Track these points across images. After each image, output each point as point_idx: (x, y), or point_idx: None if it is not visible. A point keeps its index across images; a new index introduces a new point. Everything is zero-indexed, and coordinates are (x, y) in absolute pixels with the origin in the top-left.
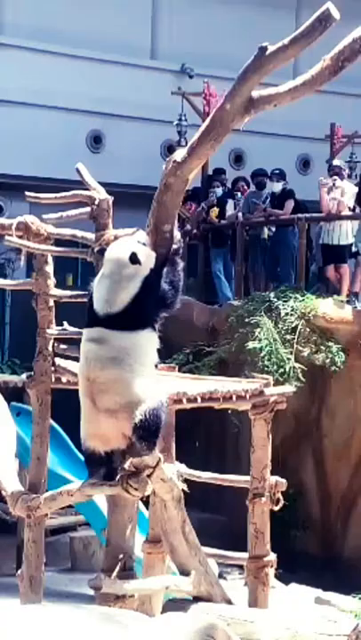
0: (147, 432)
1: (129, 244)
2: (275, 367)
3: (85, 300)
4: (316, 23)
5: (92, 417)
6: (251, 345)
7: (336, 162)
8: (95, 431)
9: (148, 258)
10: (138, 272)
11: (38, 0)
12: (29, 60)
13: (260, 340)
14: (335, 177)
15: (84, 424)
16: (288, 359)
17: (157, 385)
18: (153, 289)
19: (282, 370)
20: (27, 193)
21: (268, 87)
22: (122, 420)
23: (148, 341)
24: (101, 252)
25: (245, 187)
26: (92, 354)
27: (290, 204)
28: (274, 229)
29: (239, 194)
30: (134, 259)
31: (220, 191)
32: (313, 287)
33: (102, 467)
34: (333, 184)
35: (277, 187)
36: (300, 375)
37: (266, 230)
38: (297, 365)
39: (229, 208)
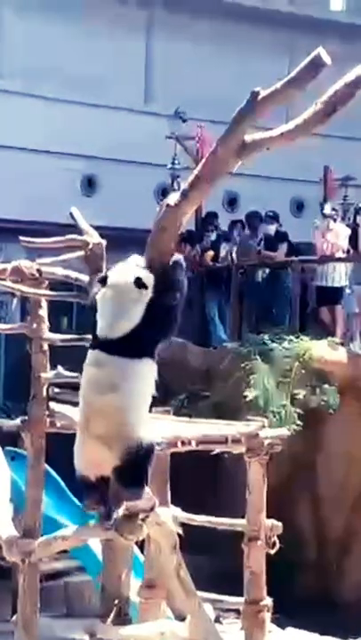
0: (129, 472)
1: (132, 269)
2: (270, 410)
3: (82, 342)
4: (307, 69)
5: (83, 441)
6: (248, 394)
7: (327, 208)
8: (84, 456)
9: (150, 282)
10: (142, 297)
11: (33, 45)
12: (24, 104)
13: (254, 385)
14: (329, 219)
15: (76, 448)
16: (283, 405)
17: (153, 423)
18: (156, 315)
19: (277, 413)
20: (21, 237)
21: (261, 130)
22: (110, 450)
23: (148, 370)
24: (103, 280)
25: (242, 230)
26: (92, 377)
27: (283, 247)
28: (268, 271)
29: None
30: (140, 283)
31: (214, 235)
32: (308, 329)
33: (96, 493)
34: (328, 226)
35: (271, 229)
36: (295, 418)
37: (260, 273)
38: (292, 408)
39: (224, 251)
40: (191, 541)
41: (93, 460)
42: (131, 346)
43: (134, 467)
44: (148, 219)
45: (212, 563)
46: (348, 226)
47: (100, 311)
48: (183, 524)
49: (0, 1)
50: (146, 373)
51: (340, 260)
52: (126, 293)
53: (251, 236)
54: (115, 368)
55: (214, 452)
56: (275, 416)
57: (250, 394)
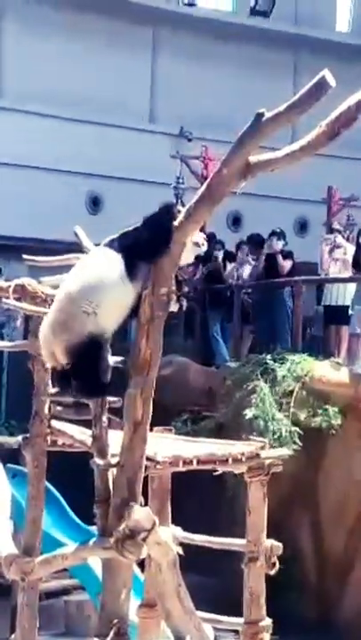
0: (75, 366)
1: None
2: (271, 430)
3: None
4: (312, 90)
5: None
6: (247, 413)
7: (335, 224)
8: (41, 343)
9: None
10: None
11: (38, 64)
12: (28, 123)
13: (256, 405)
14: (336, 234)
15: None
16: (285, 425)
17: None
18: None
19: (278, 433)
20: (24, 256)
21: (266, 151)
22: (54, 337)
23: (121, 280)
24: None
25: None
26: (79, 262)
27: (288, 264)
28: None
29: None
30: None
31: (220, 254)
32: (310, 349)
33: (64, 381)
34: (335, 241)
35: (278, 245)
36: (296, 439)
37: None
38: (293, 429)
39: (228, 270)
40: (191, 561)
41: (44, 345)
42: (122, 243)
43: (79, 361)
44: None
45: (212, 583)
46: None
47: None
48: (183, 544)
49: (5, 21)
50: (117, 280)
51: (342, 280)
52: None
53: (256, 264)
54: (97, 258)
55: (216, 472)
56: (276, 436)
57: (250, 413)
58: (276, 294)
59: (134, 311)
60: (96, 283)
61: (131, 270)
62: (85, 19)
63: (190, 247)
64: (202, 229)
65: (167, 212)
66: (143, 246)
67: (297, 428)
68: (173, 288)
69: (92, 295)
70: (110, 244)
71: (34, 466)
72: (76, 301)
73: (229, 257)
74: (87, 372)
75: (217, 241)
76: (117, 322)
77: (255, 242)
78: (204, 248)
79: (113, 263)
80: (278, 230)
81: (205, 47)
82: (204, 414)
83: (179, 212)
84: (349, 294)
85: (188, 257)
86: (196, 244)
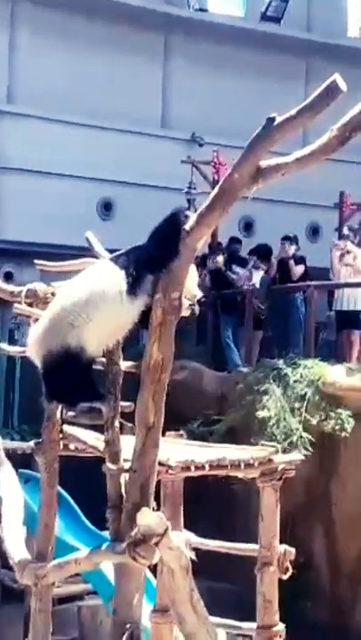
0: (50, 376)
1: None
2: (283, 435)
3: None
4: (323, 95)
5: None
6: (260, 414)
7: (345, 229)
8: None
9: None
10: None
11: (50, 70)
12: (41, 129)
13: (268, 408)
14: (346, 240)
15: None
16: (297, 428)
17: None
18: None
19: (290, 438)
20: (35, 261)
21: (277, 155)
22: (37, 342)
23: (119, 293)
24: None
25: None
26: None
27: (300, 269)
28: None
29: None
30: None
31: (221, 259)
32: (322, 354)
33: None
34: (345, 246)
35: (290, 250)
36: (307, 444)
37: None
38: (305, 434)
39: (237, 274)
40: (204, 566)
41: (29, 347)
42: (128, 258)
43: (48, 370)
44: None
45: (225, 588)
46: None
47: None
48: (196, 549)
49: (18, 28)
50: (115, 293)
51: (355, 285)
52: None
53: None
54: (100, 273)
55: (226, 475)
56: (288, 441)
57: (260, 414)
58: (288, 300)
59: (145, 320)
60: (92, 298)
61: (134, 286)
62: (97, 25)
63: (186, 303)
64: (213, 234)
65: (173, 219)
66: (151, 257)
67: (310, 433)
68: (195, 293)
69: (84, 309)
70: (116, 260)
71: (46, 471)
72: (66, 311)
73: (233, 260)
74: (55, 381)
75: (218, 243)
76: (107, 341)
77: (263, 253)
78: (196, 309)
79: (114, 280)
80: (291, 235)
81: (217, 53)
82: (216, 419)
83: (187, 217)
84: (356, 299)
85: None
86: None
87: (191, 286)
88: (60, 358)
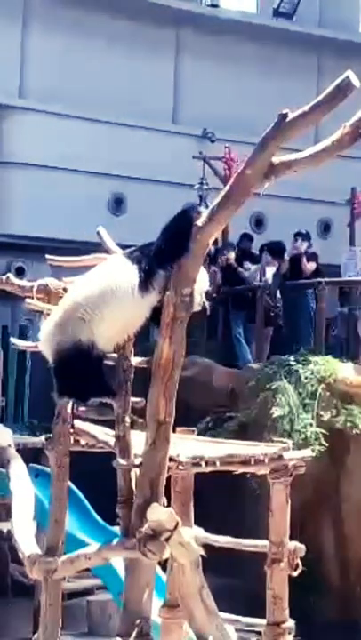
0: (60, 370)
1: None
2: (295, 432)
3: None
4: (335, 91)
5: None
6: (274, 412)
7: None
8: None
9: None
10: None
11: (60, 65)
12: (52, 124)
13: (281, 405)
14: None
15: None
16: (310, 424)
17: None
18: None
19: (302, 434)
20: (47, 256)
21: (290, 152)
22: (49, 336)
23: (132, 289)
24: None
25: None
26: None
27: (311, 266)
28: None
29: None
30: None
31: (232, 255)
32: (333, 351)
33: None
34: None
35: (303, 246)
36: (320, 439)
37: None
38: (317, 430)
39: (249, 271)
40: (214, 562)
41: (42, 341)
42: (141, 254)
43: (60, 364)
44: None
45: (234, 584)
46: None
47: None
48: (206, 545)
49: (28, 22)
50: (127, 289)
51: None
52: None
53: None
54: (113, 268)
55: (238, 473)
56: (299, 437)
57: (275, 413)
58: (299, 296)
59: (156, 317)
60: (104, 293)
61: (146, 282)
62: (108, 20)
63: (198, 298)
64: (224, 231)
65: (184, 215)
66: (162, 253)
67: (321, 429)
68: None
69: (97, 304)
70: (129, 255)
71: (57, 466)
72: (79, 306)
73: (244, 256)
74: (65, 375)
75: (229, 243)
76: (118, 336)
77: (275, 251)
78: (207, 304)
79: (127, 275)
80: (304, 232)
81: (228, 48)
82: (227, 415)
83: (199, 213)
84: None
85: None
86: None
87: (202, 282)
88: (71, 353)
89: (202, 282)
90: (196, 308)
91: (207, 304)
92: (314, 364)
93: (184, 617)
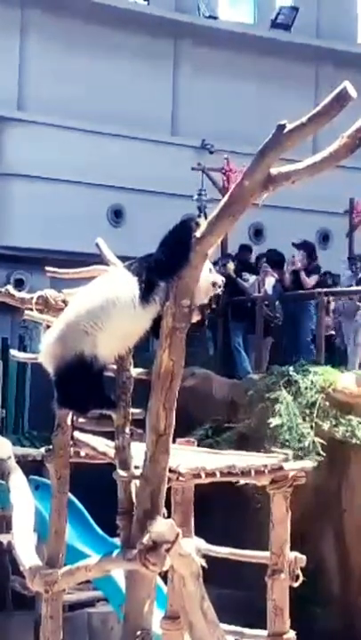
0: (60, 383)
1: None
2: (294, 442)
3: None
4: (333, 102)
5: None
6: (272, 421)
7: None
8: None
9: None
10: None
11: (60, 76)
12: (51, 136)
13: (280, 415)
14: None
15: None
16: (308, 434)
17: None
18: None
19: (302, 444)
20: (46, 268)
21: (288, 162)
22: (50, 349)
23: (132, 299)
24: None
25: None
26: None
27: (312, 280)
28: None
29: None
30: None
31: (231, 266)
32: (333, 361)
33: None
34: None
35: (300, 262)
36: (319, 450)
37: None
38: (317, 440)
39: (249, 282)
40: (214, 573)
41: (43, 353)
42: (141, 266)
43: (61, 376)
44: None
45: (235, 595)
46: None
47: None
48: (206, 556)
49: (27, 34)
50: (128, 301)
51: None
52: None
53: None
54: (114, 280)
55: (238, 484)
56: (299, 448)
57: (274, 423)
58: (302, 307)
59: (156, 328)
60: (105, 305)
61: (147, 294)
62: (107, 32)
63: (206, 287)
64: (223, 241)
65: (183, 226)
66: (162, 264)
67: (321, 440)
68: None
69: (98, 317)
70: (129, 267)
71: (57, 477)
72: (80, 319)
73: (243, 267)
74: (66, 387)
75: (227, 254)
76: (119, 348)
77: (274, 261)
78: (219, 291)
79: (128, 287)
80: (302, 242)
81: (227, 60)
82: (226, 426)
83: (198, 224)
84: None
85: (202, 297)
86: (214, 285)
87: (203, 288)
88: (72, 365)
89: (205, 280)
90: (195, 317)
91: (206, 314)
92: (313, 375)
93: (185, 628)
